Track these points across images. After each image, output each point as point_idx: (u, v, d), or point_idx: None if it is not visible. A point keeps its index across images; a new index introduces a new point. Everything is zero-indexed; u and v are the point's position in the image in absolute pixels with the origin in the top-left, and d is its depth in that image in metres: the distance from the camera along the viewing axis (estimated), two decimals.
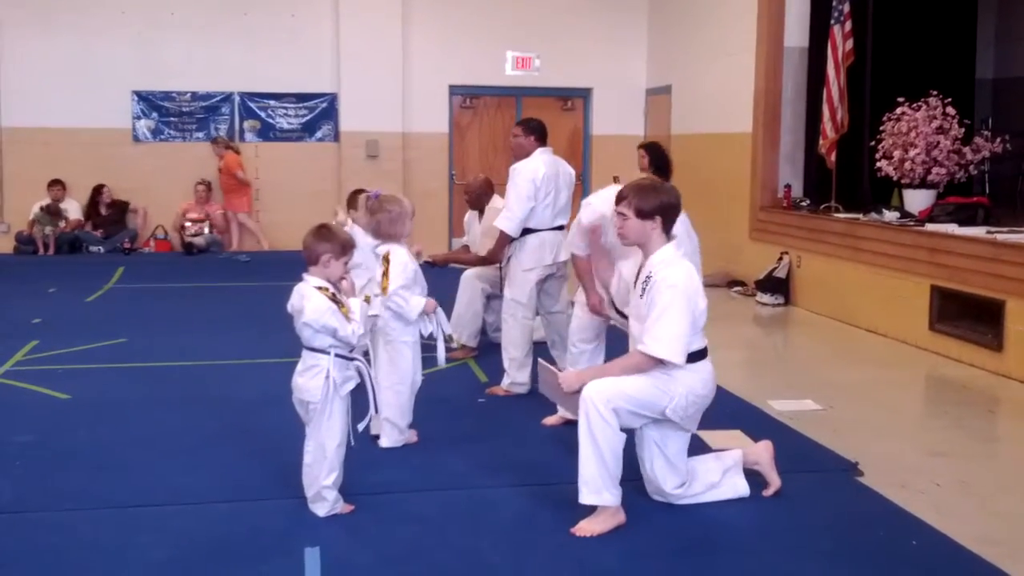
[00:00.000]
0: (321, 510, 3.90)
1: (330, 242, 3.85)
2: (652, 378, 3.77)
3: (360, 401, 4.03)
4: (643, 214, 3.78)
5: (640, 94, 13.36)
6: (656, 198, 3.79)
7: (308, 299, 3.78)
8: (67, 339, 7.18)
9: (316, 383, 3.81)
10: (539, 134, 5.84)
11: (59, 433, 5.02)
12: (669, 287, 3.69)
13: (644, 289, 3.79)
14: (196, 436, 4.97)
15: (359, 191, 5.85)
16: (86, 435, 5.00)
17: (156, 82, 12.63)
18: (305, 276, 3.88)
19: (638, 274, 3.91)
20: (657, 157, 6.05)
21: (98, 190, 12.53)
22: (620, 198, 3.87)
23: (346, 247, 3.89)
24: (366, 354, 4.47)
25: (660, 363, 3.74)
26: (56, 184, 12.37)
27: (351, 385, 3.93)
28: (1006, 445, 5.33)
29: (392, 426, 4.75)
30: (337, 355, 3.84)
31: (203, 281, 10.46)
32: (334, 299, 3.80)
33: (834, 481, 4.40)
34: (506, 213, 5.75)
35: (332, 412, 3.85)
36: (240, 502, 4.08)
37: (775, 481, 4.13)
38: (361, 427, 4.00)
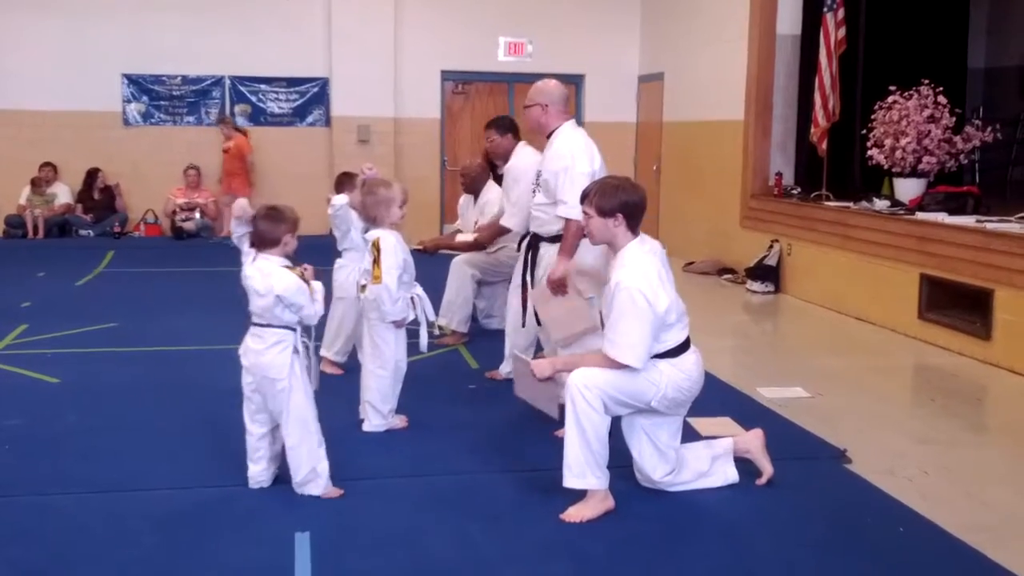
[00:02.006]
0: (316, 489, 3.90)
1: (285, 222, 3.88)
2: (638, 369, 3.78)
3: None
4: (604, 212, 3.82)
5: (632, 81, 13.35)
6: (616, 197, 3.82)
7: (276, 276, 3.79)
8: (56, 323, 7.17)
9: (283, 359, 3.84)
10: (515, 131, 6.04)
11: (48, 417, 5.01)
12: (624, 290, 3.71)
13: (612, 295, 3.81)
14: (186, 420, 4.97)
15: (346, 174, 5.84)
16: (75, 419, 4.99)
17: (146, 65, 12.57)
18: (264, 256, 3.86)
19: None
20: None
21: (93, 174, 12.47)
22: (584, 197, 3.94)
23: (297, 223, 3.93)
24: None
25: (620, 365, 3.74)
26: (47, 166, 12.32)
27: (306, 362, 3.97)
28: (993, 433, 5.37)
29: (374, 411, 4.76)
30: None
31: (193, 266, 10.44)
32: (301, 278, 3.83)
33: (822, 468, 4.42)
34: (513, 210, 5.68)
35: (303, 386, 3.88)
36: (230, 487, 4.08)
37: (767, 469, 4.14)
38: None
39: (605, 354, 3.77)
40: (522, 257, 5.19)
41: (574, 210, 4.51)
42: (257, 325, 3.88)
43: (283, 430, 3.91)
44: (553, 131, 4.99)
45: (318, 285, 3.92)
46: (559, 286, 4.68)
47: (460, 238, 6.80)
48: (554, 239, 4.89)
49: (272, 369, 3.85)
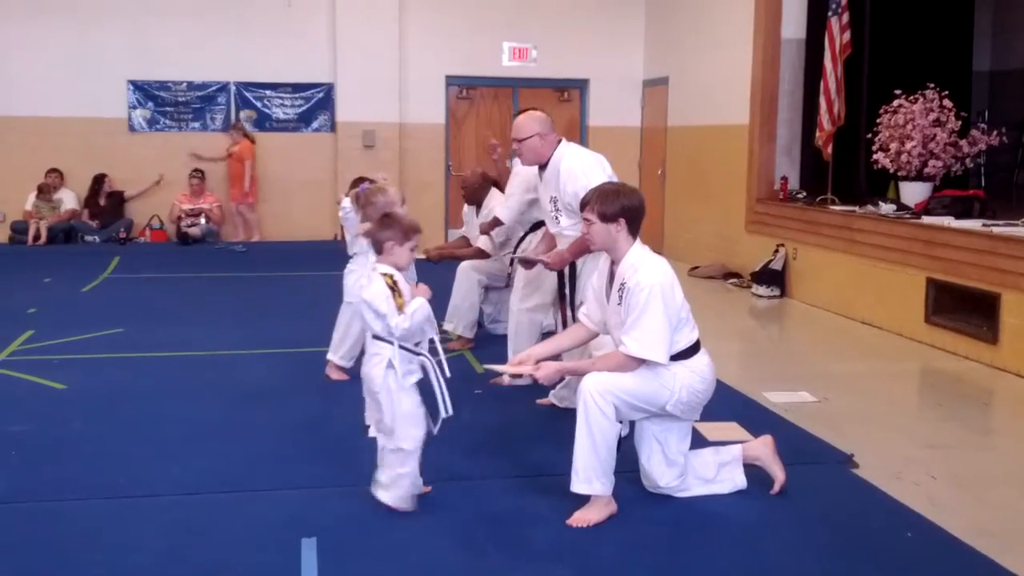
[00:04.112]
0: (387, 499, 3.84)
1: (392, 228, 3.82)
2: (653, 373, 3.79)
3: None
4: (606, 218, 3.83)
5: (637, 85, 13.36)
6: (618, 201, 3.84)
7: (371, 281, 3.75)
8: (63, 329, 7.18)
9: (378, 371, 3.77)
10: None
11: (55, 423, 5.01)
12: (643, 288, 3.72)
13: (620, 296, 3.81)
14: (193, 426, 4.97)
15: (361, 179, 5.82)
16: (82, 425, 4.99)
17: (152, 71, 12.60)
18: (375, 265, 3.85)
19: (610, 283, 3.94)
20: None
21: (99, 179, 12.50)
22: (584, 204, 3.94)
23: (409, 232, 3.85)
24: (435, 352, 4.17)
25: (641, 363, 3.76)
26: (53, 172, 12.37)
27: (414, 378, 3.83)
28: (1000, 437, 5.35)
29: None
30: (401, 347, 3.77)
31: (199, 271, 10.45)
32: (394, 287, 3.73)
33: (829, 473, 4.41)
34: (509, 203, 6.10)
35: (393, 401, 3.78)
36: (237, 492, 4.09)
37: (780, 476, 4.10)
38: (435, 429, 3.88)
39: (625, 354, 3.76)
40: (558, 272, 5.18)
41: None
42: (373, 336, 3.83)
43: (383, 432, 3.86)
44: (550, 156, 5.05)
45: (418, 303, 3.75)
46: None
47: (471, 243, 6.86)
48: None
49: (370, 381, 3.81)
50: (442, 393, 3.84)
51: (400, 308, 3.72)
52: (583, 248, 4.86)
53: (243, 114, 12.87)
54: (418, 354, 3.84)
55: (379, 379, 3.77)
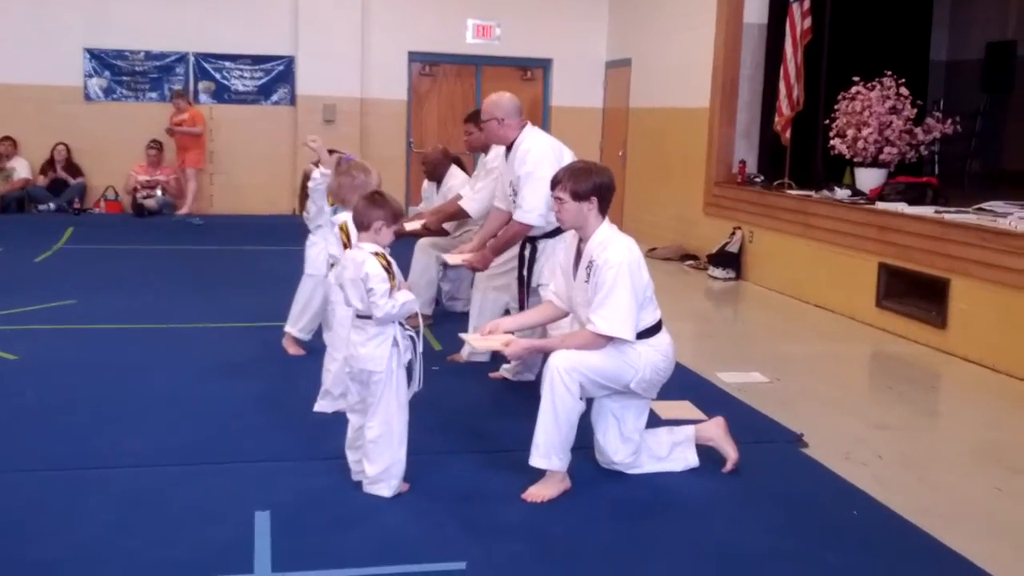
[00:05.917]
0: (385, 491, 3.77)
1: (383, 208, 3.74)
2: (618, 351, 3.83)
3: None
4: (579, 196, 3.84)
5: (600, 66, 13.37)
6: (590, 179, 3.86)
7: (368, 261, 3.65)
8: (15, 299, 7.08)
9: (382, 352, 3.69)
10: None
11: (6, 394, 4.96)
12: (612, 267, 3.76)
13: (588, 274, 3.84)
14: (146, 399, 4.94)
15: (330, 151, 5.74)
16: (34, 396, 4.94)
17: (109, 40, 12.40)
18: (358, 244, 3.77)
19: (577, 261, 3.96)
20: None
21: (60, 148, 12.27)
22: (555, 182, 3.93)
23: (398, 215, 3.80)
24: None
25: (608, 341, 3.80)
26: (6, 140, 12.14)
27: (408, 355, 3.80)
28: (946, 420, 5.47)
29: (325, 391, 4.75)
30: (399, 324, 3.74)
31: (154, 244, 10.33)
32: (388, 269, 3.67)
33: (779, 452, 4.49)
34: (476, 196, 5.91)
35: (396, 382, 3.74)
36: (190, 465, 4.07)
37: (731, 455, 4.17)
38: (407, 396, 3.83)
39: (593, 332, 3.79)
40: (518, 254, 5.19)
41: (528, 215, 4.87)
42: (359, 317, 3.73)
43: (367, 422, 3.79)
44: (513, 141, 5.07)
45: (407, 296, 3.70)
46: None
47: (408, 227, 6.74)
48: (550, 235, 4.97)
49: (370, 361, 3.70)
50: (420, 366, 3.83)
51: (392, 289, 3.66)
52: (505, 244, 5.09)
53: (201, 85, 12.71)
54: (407, 330, 3.81)
55: (385, 359, 3.69)
